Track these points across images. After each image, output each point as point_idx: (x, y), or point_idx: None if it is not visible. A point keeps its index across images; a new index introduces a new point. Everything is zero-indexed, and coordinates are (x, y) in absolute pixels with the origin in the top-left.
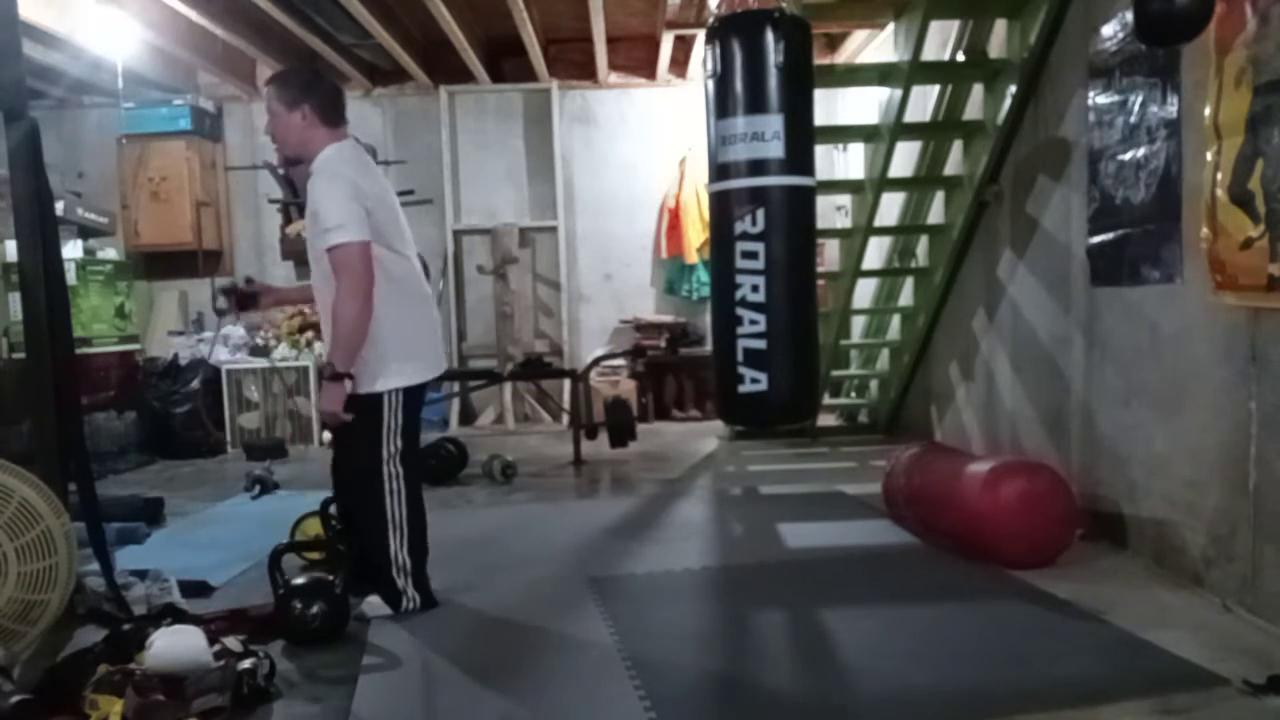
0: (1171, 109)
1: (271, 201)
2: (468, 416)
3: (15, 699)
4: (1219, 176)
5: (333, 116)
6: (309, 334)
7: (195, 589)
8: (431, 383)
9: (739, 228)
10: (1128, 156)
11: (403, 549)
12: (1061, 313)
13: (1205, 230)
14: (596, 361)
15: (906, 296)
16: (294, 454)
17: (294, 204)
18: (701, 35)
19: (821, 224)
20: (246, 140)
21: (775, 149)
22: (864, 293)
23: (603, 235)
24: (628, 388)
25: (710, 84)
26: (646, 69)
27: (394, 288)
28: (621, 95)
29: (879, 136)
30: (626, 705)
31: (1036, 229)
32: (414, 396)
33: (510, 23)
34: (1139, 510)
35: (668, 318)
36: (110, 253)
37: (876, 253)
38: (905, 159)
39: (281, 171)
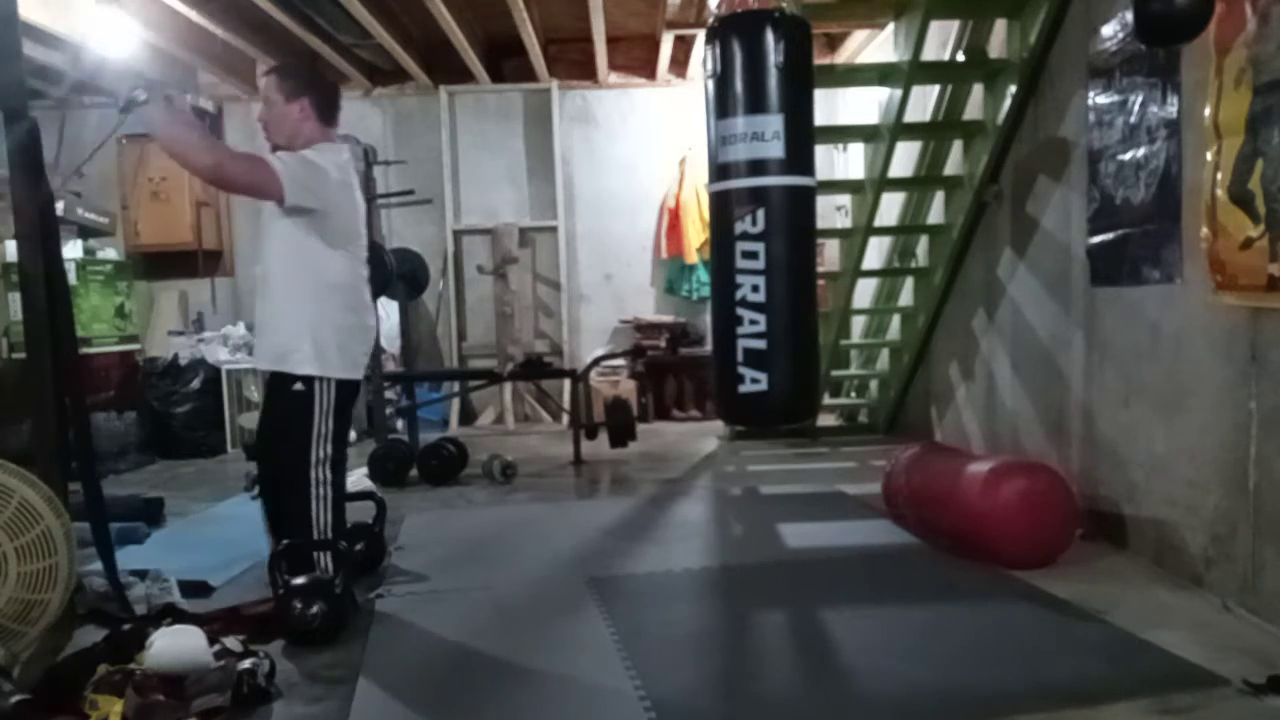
0: (1171, 109)
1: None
2: (468, 416)
3: (15, 699)
4: (1219, 176)
5: (328, 114)
6: None
7: (195, 589)
8: (432, 384)
9: (739, 228)
10: (1128, 156)
11: (325, 556)
12: (1061, 313)
13: (1205, 230)
14: (596, 361)
15: (906, 296)
16: None
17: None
18: (701, 35)
19: (821, 224)
20: (247, 140)
21: (775, 149)
22: (864, 293)
23: (603, 235)
24: (628, 388)
25: (710, 84)
26: (646, 69)
27: (337, 293)
28: (621, 95)
29: (879, 136)
30: (626, 705)
31: (1036, 229)
32: (344, 399)
33: (510, 23)
34: (1139, 510)
35: (668, 318)
36: (110, 253)
37: (876, 253)
38: (905, 159)
39: None
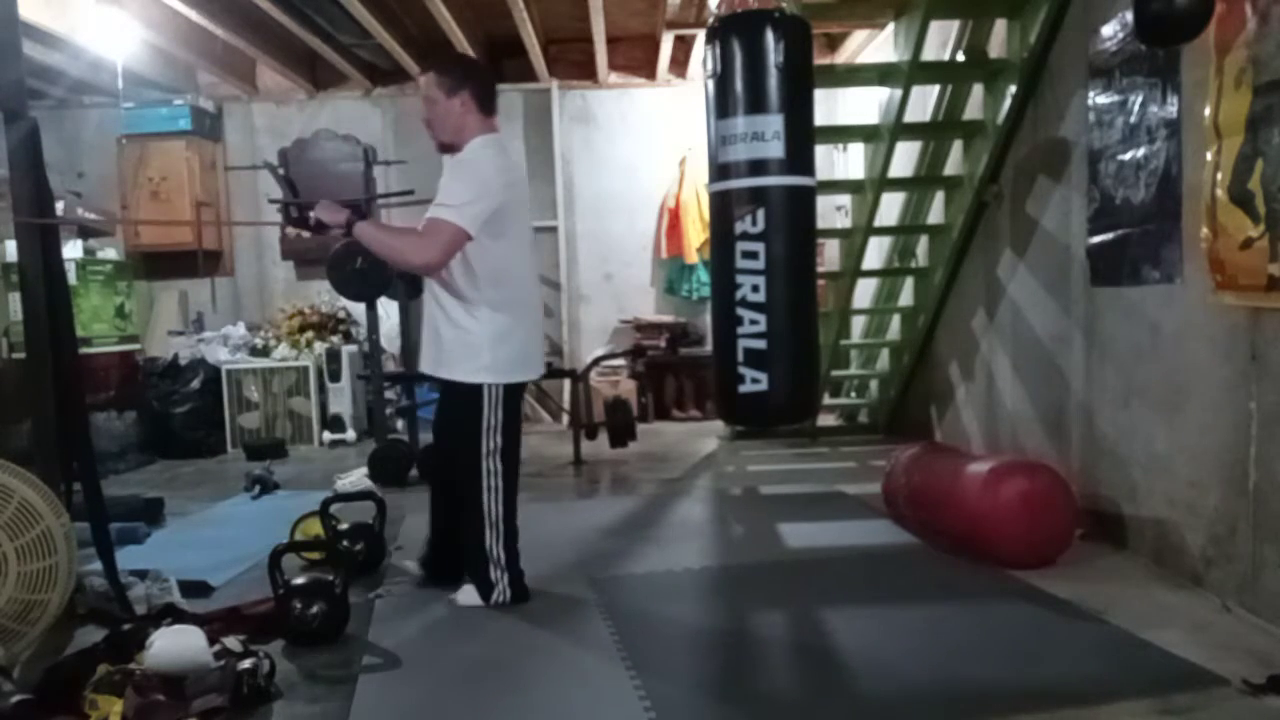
0: (1171, 109)
1: (272, 201)
2: None
3: (15, 699)
4: (1219, 176)
5: (488, 104)
6: (309, 334)
7: (195, 589)
8: (432, 384)
9: (739, 228)
10: (1128, 156)
11: (498, 544)
12: (1061, 313)
13: (1205, 230)
14: (596, 361)
15: (906, 296)
16: (294, 454)
17: (294, 204)
18: (701, 35)
19: (821, 224)
20: (246, 140)
21: (775, 149)
22: (864, 293)
23: (603, 235)
24: (628, 388)
25: (710, 84)
26: (646, 69)
27: (504, 287)
28: (621, 95)
29: (879, 136)
30: (626, 705)
31: (1036, 229)
32: (514, 395)
33: (510, 22)
34: (1139, 510)
35: (668, 318)
36: (110, 253)
37: (876, 253)
38: (905, 159)
39: (281, 171)
